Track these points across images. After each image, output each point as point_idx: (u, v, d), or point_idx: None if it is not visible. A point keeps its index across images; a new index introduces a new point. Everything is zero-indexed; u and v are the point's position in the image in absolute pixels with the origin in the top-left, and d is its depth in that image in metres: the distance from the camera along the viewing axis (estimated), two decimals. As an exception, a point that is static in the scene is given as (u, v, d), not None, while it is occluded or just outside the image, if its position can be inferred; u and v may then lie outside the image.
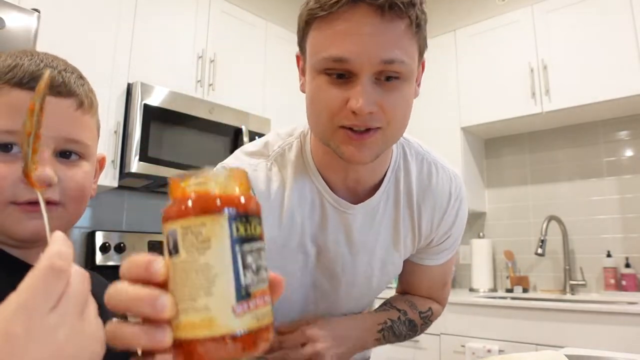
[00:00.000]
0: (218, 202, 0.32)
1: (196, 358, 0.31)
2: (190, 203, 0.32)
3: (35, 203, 0.48)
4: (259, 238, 0.34)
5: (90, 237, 2.26)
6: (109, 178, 2.08)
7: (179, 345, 0.32)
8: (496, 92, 2.65)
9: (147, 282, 0.32)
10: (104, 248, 2.24)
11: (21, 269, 0.56)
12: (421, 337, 2.35)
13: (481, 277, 2.75)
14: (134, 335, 0.31)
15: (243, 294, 0.32)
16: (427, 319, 0.94)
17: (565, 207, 2.65)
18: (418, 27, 0.63)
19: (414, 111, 0.71)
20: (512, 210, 2.87)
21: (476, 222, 2.97)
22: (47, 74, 0.38)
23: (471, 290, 2.76)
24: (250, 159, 0.78)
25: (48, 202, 0.53)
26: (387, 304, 0.93)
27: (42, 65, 0.55)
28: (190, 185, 0.33)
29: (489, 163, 3.01)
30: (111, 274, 2.40)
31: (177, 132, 2.26)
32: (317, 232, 0.79)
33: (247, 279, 0.32)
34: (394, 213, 0.81)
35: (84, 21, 2.09)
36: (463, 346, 2.17)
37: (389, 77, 0.62)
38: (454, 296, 2.39)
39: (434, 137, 2.79)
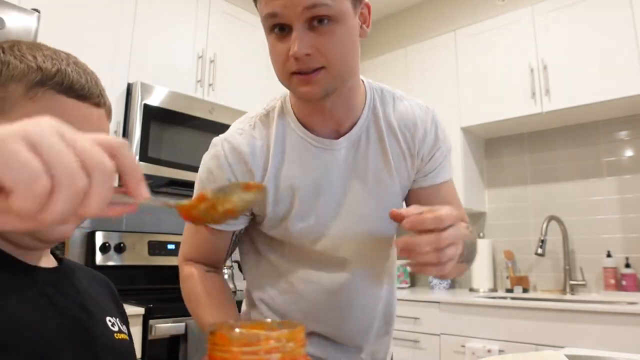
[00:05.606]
0: None
1: None
2: None
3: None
4: None
5: (90, 237, 2.26)
6: (109, 178, 2.08)
7: None
8: (496, 92, 2.65)
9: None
10: (104, 248, 2.24)
11: (22, 269, 0.53)
12: (421, 337, 2.35)
13: (481, 277, 2.75)
14: None
15: None
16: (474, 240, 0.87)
17: (565, 207, 2.65)
18: None
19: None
20: (512, 210, 2.87)
21: (476, 222, 2.97)
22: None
23: (471, 290, 2.76)
24: (238, 125, 0.90)
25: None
26: None
27: (84, 76, 0.54)
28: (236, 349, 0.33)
29: (489, 163, 3.01)
30: (111, 273, 2.41)
31: (177, 132, 2.26)
32: (307, 180, 0.85)
33: None
34: (379, 144, 0.87)
35: (84, 21, 2.09)
36: (463, 346, 2.17)
37: (320, 20, 0.71)
38: (454, 296, 2.39)
39: (434, 137, 2.79)
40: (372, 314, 0.92)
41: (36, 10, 1.75)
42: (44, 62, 0.52)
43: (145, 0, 2.32)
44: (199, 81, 2.46)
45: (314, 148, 0.85)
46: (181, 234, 0.95)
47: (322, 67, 0.73)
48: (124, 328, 0.65)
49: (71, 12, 2.05)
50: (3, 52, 0.52)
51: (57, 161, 0.28)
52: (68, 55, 0.57)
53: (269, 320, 0.39)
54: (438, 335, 2.29)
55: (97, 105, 0.56)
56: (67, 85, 0.52)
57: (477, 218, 2.97)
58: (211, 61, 2.52)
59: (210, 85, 2.50)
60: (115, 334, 0.60)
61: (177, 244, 2.46)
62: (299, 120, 0.86)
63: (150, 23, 2.33)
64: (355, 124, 0.86)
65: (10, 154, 0.27)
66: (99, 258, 2.21)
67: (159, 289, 2.34)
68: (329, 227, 0.86)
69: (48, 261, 0.60)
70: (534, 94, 2.49)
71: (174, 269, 0.96)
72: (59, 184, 0.28)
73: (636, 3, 2.23)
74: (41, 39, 1.78)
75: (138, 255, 2.34)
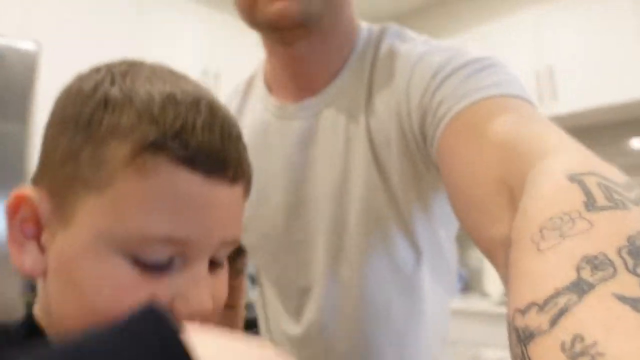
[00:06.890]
0: None
1: None
2: None
3: None
4: None
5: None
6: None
7: None
8: (502, 96, 2.63)
9: None
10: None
11: None
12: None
13: (493, 281, 2.74)
14: None
15: None
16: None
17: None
18: None
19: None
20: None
21: (486, 225, 2.95)
22: None
23: (483, 294, 2.74)
24: None
25: None
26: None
27: (219, 137, 0.31)
28: None
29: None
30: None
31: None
32: (269, 161, 0.62)
33: None
34: (360, 114, 0.56)
35: (86, 47, 2.08)
36: (477, 356, 2.16)
37: None
38: (466, 303, 2.38)
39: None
40: None
41: (36, 40, 1.74)
42: (164, 109, 0.30)
43: (149, 18, 2.32)
44: (204, 97, 2.47)
45: (273, 119, 0.61)
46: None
47: None
48: None
49: (72, 39, 2.05)
50: (112, 83, 0.31)
51: None
52: (200, 93, 0.33)
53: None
54: (451, 344, 2.28)
55: (233, 181, 0.32)
56: (192, 153, 0.29)
57: (486, 222, 2.95)
58: (216, 76, 2.52)
59: (215, 100, 2.50)
60: None
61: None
62: (266, 84, 0.64)
63: (153, 39, 2.33)
64: (331, 82, 0.58)
65: None
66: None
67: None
68: (277, 253, 0.61)
69: None
70: (540, 98, 2.47)
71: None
72: None
73: (642, 5, 2.20)
74: (43, 67, 1.73)
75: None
